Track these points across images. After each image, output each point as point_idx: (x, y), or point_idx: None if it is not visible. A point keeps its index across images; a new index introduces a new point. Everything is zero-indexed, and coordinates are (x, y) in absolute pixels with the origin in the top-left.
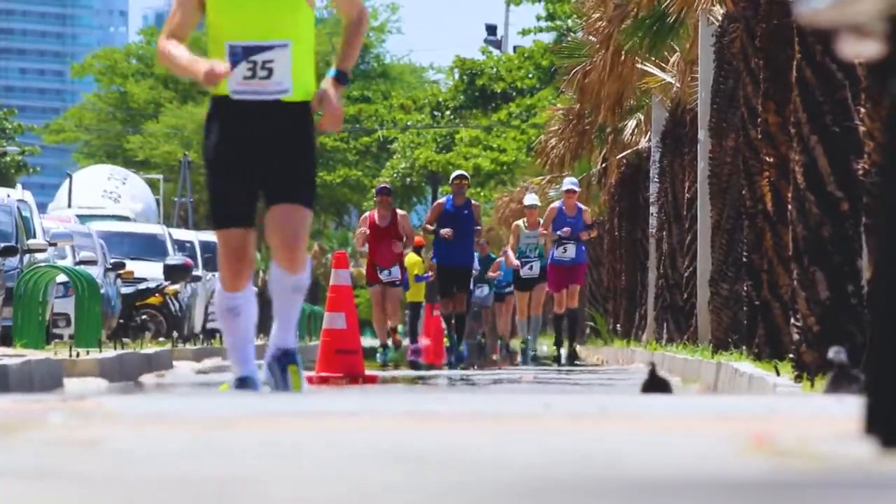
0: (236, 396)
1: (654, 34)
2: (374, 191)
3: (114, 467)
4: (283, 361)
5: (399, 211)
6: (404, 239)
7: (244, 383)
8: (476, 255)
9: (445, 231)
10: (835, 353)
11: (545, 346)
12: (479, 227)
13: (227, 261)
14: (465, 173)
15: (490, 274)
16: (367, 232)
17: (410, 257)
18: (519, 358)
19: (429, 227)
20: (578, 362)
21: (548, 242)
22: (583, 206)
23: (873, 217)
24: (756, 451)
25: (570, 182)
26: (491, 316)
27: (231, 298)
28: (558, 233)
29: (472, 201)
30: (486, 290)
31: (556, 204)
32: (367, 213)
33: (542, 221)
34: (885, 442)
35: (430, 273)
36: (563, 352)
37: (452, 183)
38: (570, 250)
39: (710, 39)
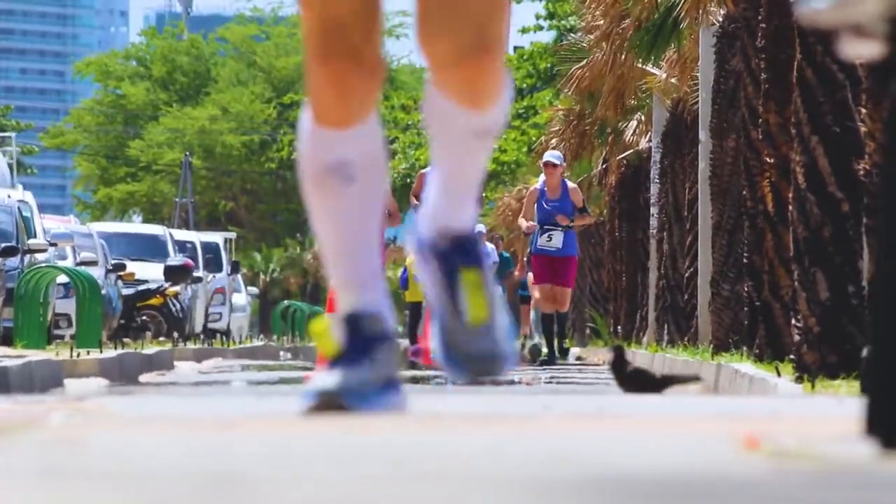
0: (245, 394)
1: (654, 40)
2: None
3: (114, 468)
4: (453, 258)
5: None
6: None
7: (357, 322)
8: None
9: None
10: None
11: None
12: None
13: (325, 59)
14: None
15: (516, 273)
16: None
17: (411, 256)
18: (538, 357)
19: (525, 222)
20: (569, 360)
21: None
22: (570, 184)
23: (874, 218)
24: (749, 452)
25: (549, 155)
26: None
27: (336, 142)
28: (527, 226)
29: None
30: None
31: (537, 184)
32: None
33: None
34: (885, 443)
35: None
36: (554, 348)
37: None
38: (556, 238)
39: (711, 40)
